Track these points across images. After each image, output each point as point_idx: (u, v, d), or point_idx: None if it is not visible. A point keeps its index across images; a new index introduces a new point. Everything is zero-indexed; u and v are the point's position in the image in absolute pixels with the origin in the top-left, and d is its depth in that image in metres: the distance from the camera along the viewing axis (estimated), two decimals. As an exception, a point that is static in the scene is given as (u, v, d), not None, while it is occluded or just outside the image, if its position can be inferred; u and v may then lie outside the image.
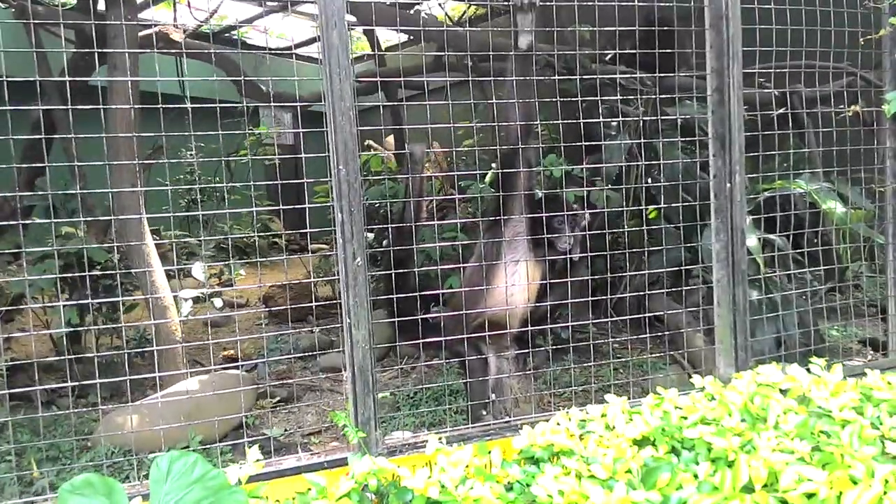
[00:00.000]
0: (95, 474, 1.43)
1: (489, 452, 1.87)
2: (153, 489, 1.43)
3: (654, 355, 4.28)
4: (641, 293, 4.16)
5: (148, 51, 4.93)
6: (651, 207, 5.06)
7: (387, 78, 7.19)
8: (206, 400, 4.18)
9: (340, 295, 2.32)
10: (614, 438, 1.89)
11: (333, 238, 2.31)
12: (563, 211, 2.83)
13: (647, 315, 3.24)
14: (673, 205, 4.12)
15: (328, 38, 2.28)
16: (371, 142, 10.11)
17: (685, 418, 2.06)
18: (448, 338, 2.55)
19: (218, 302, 4.46)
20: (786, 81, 4.37)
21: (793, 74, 4.52)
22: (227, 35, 11.34)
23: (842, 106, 3.55)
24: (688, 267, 4.76)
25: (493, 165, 4.91)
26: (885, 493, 1.50)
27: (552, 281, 2.80)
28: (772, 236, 4.29)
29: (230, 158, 7.91)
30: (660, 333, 3.91)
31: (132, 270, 4.68)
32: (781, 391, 2.15)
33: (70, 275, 4.39)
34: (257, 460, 1.80)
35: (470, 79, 2.59)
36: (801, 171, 4.63)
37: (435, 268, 3.05)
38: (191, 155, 10.06)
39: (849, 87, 4.63)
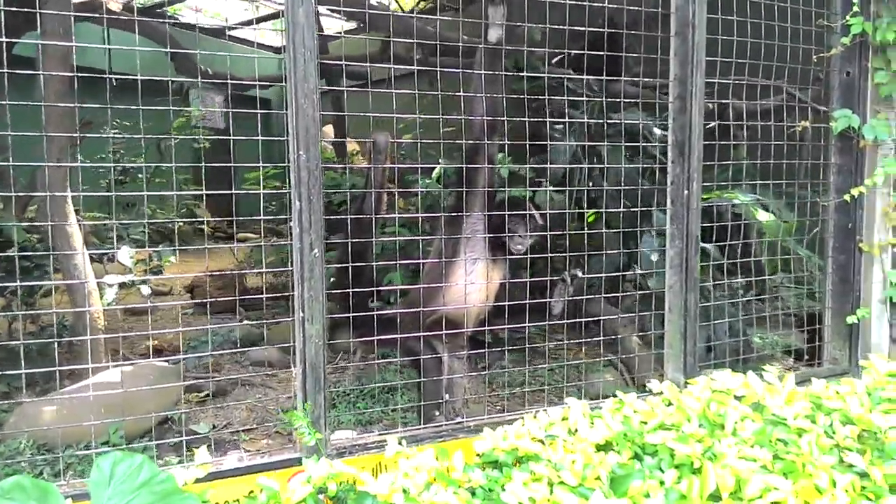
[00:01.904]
0: (26, 476, 1.28)
1: (450, 456, 1.80)
2: (94, 493, 1.29)
3: (595, 360, 4.31)
4: (582, 297, 4.18)
5: (81, 14, 4.62)
6: (591, 211, 5.10)
7: (338, 62, 7.02)
8: (130, 393, 3.94)
9: (293, 287, 2.20)
10: (579, 443, 1.85)
11: (289, 227, 2.19)
12: (517, 211, 2.79)
13: (591, 319, 3.24)
14: (616, 210, 4.16)
15: (293, 16, 2.16)
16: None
17: (645, 423, 2.05)
18: (402, 335, 2.47)
19: (146, 289, 4.22)
20: (731, 93, 4.45)
21: (733, 88, 4.62)
22: (158, 11, 10.86)
23: (778, 121, 3.65)
24: (629, 273, 4.82)
25: (441, 161, 4.85)
26: (851, 503, 1.51)
27: (510, 280, 2.75)
28: (707, 245, 4.39)
29: (160, 136, 7.54)
30: (598, 338, 3.93)
31: (55, 253, 4.38)
32: (736, 398, 2.16)
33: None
34: (204, 462, 1.67)
35: (440, 69, 2.49)
36: (736, 182, 4.75)
37: (390, 262, 2.95)
38: (116, 133, 9.58)
39: (784, 103, 4.75)
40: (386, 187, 2.75)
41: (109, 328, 5.15)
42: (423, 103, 2.57)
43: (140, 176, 10.74)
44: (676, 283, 2.79)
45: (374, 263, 2.55)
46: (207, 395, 4.84)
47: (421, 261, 2.59)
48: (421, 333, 2.51)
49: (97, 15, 3.82)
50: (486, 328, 2.75)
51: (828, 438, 1.92)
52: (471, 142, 2.67)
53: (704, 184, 4.64)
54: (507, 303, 2.51)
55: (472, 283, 2.69)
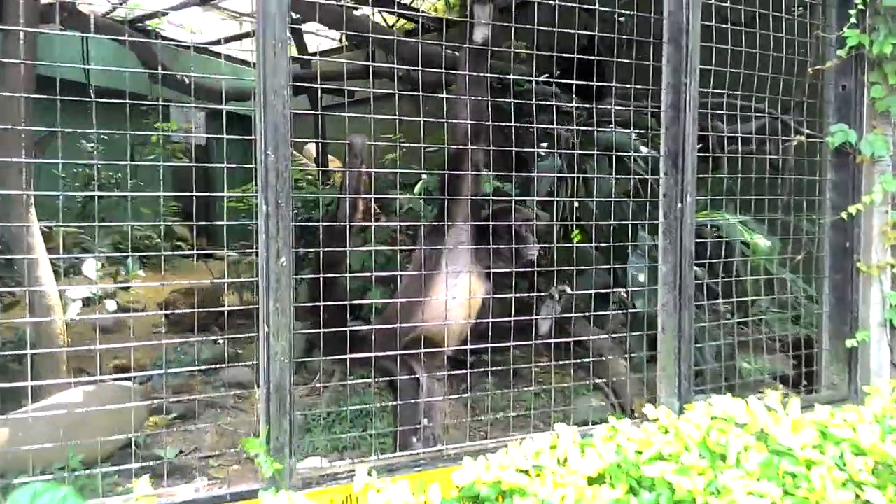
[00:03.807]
0: None
1: (426, 489, 1.62)
2: (7, 534, 1.10)
3: (581, 383, 4.14)
4: (567, 316, 4.02)
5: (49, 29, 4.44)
6: (577, 226, 4.97)
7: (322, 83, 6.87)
8: (90, 414, 3.72)
9: (258, 300, 2.01)
10: (569, 475, 1.67)
11: (255, 234, 2.01)
12: (514, 221, 2.62)
13: (576, 340, 3.07)
14: (601, 223, 4.03)
15: (265, 6, 2.00)
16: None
17: (640, 452, 1.87)
18: (375, 354, 2.28)
19: (111, 304, 4.00)
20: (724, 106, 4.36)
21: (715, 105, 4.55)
22: (140, 25, 10.72)
23: (768, 139, 3.55)
24: (615, 292, 4.67)
25: (424, 176, 4.70)
26: (877, 547, 1.35)
27: (495, 296, 2.57)
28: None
29: (136, 162, 7.34)
30: (586, 360, 3.77)
31: (13, 257, 4.14)
32: (737, 425, 2.00)
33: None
34: (146, 494, 1.48)
35: (422, 69, 2.34)
36: (717, 198, 4.64)
37: (365, 275, 2.77)
38: (91, 147, 9.36)
39: (765, 126, 4.65)
40: (362, 194, 2.57)
41: (74, 345, 4.91)
42: (406, 123, 2.43)
43: (116, 189, 10.53)
44: (670, 302, 2.64)
45: (346, 275, 2.36)
46: (176, 417, 4.60)
47: (398, 273, 2.38)
48: (396, 352, 2.32)
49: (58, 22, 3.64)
50: (468, 347, 2.56)
51: (840, 472, 1.76)
52: (454, 147, 2.51)
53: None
54: (490, 320, 2.33)
55: (454, 299, 2.52)
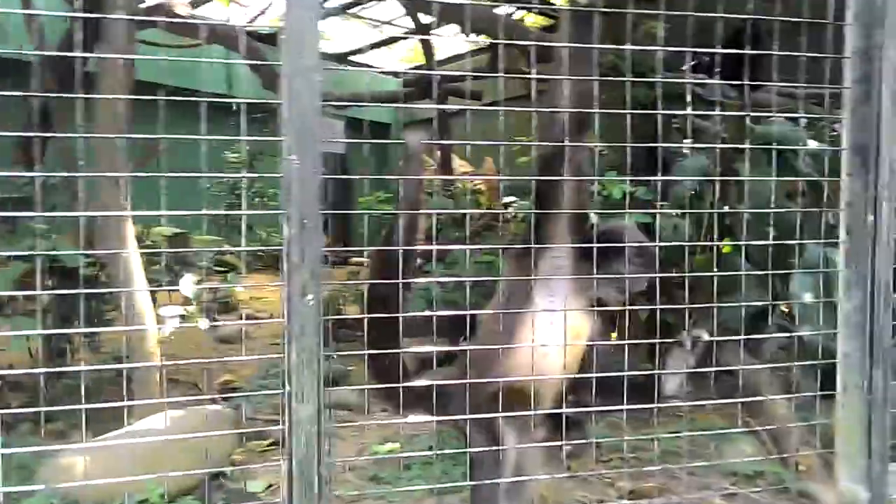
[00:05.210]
0: None
1: None
2: None
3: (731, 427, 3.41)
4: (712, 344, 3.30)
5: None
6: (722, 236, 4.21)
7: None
8: (174, 442, 3.48)
9: (283, 346, 1.56)
10: None
11: (280, 260, 1.56)
12: (627, 242, 1.98)
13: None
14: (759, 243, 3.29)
15: (292, -33, 1.54)
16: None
17: None
18: (434, 418, 1.76)
19: (203, 323, 3.77)
20: None
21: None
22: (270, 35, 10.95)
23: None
24: (789, 333, 3.90)
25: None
26: None
27: (600, 342, 1.95)
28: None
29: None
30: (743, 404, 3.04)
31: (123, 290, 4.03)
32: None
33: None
34: None
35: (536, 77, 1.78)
36: None
37: (426, 314, 2.25)
38: (235, 158, 9.57)
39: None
40: (422, 206, 2.05)
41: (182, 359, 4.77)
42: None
43: (259, 199, 10.75)
44: (855, 352, 1.91)
45: (399, 314, 1.84)
46: (272, 443, 4.28)
47: (467, 311, 1.81)
48: (466, 416, 1.77)
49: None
50: (565, 411, 1.94)
51: None
52: (550, 144, 1.91)
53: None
54: (595, 374, 1.73)
55: (545, 345, 1.91)
